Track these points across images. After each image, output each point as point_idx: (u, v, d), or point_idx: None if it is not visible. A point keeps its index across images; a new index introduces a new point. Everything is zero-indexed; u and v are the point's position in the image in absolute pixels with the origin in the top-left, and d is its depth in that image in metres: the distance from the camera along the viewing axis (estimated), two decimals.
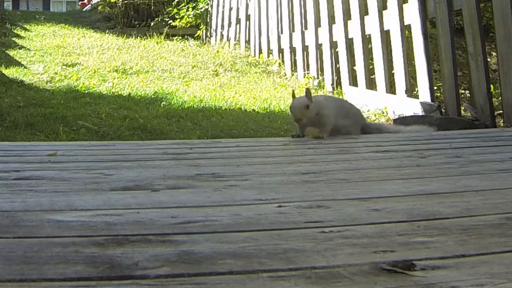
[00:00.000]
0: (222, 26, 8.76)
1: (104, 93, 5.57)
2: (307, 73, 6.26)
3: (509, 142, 2.93)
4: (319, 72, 6.08)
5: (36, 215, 1.32)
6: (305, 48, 6.38)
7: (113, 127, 4.26)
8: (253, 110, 4.99)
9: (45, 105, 4.77)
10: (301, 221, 1.28)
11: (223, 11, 8.72)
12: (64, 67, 6.66)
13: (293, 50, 6.66)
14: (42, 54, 7.43)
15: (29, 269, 0.94)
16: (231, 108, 5.05)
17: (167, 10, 9.78)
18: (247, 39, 7.96)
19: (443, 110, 4.29)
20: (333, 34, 5.81)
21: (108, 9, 10.45)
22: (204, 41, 9.16)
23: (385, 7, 5.03)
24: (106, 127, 4.27)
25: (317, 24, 6.10)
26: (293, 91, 3.36)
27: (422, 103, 4.40)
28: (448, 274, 0.92)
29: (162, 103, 5.12)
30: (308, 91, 3.03)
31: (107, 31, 9.76)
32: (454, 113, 4.20)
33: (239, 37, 8.20)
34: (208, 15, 9.32)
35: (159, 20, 9.92)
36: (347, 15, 5.56)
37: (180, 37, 9.14)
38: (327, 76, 5.90)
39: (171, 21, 9.60)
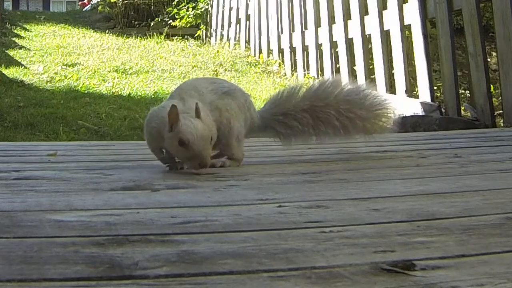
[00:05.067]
0: (222, 26, 8.76)
1: (104, 93, 5.57)
2: (307, 73, 6.26)
3: (509, 142, 2.93)
4: (319, 72, 6.08)
5: (36, 215, 1.32)
6: (305, 48, 6.38)
7: (113, 127, 4.26)
8: None
9: (45, 105, 4.78)
10: (301, 221, 1.27)
11: (223, 11, 8.72)
12: (64, 67, 6.66)
13: (293, 50, 6.66)
14: (42, 54, 7.44)
15: (29, 269, 0.94)
16: None
17: (167, 10, 9.78)
18: (247, 39, 7.96)
19: (443, 110, 4.29)
20: (333, 34, 5.81)
21: (108, 9, 10.45)
22: (204, 41, 9.16)
23: (385, 7, 5.03)
24: (106, 127, 4.28)
25: (317, 24, 6.10)
26: None
27: (422, 103, 4.40)
28: (448, 274, 0.92)
29: None
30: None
31: (107, 31, 9.76)
32: (454, 113, 4.20)
33: (239, 37, 8.20)
34: (208, 15, 9.32)
35: (159, 20, 9.92)
36: (347, 15, 5.55)
37: (180, 37, 9.14)
38: (327, 76, 5.90)
39: (171, 21, 9.61)
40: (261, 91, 5.81)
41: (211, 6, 9.20)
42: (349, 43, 5.55)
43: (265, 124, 2.26)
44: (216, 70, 6.88)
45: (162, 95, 5.47)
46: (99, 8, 10.78)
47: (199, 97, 2.04)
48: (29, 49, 7.77)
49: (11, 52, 7.43)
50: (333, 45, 5.83)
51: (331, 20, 5.83)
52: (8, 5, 19.03)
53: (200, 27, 9.46)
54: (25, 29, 9.52)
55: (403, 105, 4.58)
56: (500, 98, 4.22)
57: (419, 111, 4.36)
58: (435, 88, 4.65)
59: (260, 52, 7.48)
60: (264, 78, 6.53)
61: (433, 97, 4.47)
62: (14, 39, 8.53)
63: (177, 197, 1.56)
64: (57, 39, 8.70)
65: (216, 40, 8.85)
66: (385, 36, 5.02)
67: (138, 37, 9.04)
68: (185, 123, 1.84)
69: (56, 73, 6.31)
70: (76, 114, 4.56)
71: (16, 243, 1.09)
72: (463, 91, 5.52)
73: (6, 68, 6.38)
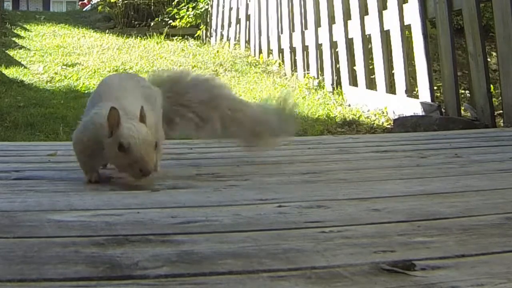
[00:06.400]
0: (222, 26, 8.76)
1: None
2: (307, 73, 6.25)
3: (509, 142, 2.93)
4: (319, 72, 6.08)
5: (36, 215, 1.32)
6: (305, 48, 6.38)
7: None
8: None
9: (45, 105, 4.78)
10: (301, 221, 1.27)
11: (223, 11, 8.72)
12: (64, 67, 6.66)
13: (293, 50, 6.66)
14: (42, 54, 7.44)
15: (29, 269, 0.94)
16: None
17: (167, 10, 9.78)
18: (247, 39, 7.96)
19: (443, 110, 4.29)
20: (333, 34, 5.81)
21: (108, 9, 10.45)
22: (204, 41, 9.16)
23: (385, 7, 5.03)
24: None
25: (317, 24, 6.09)
26: None
27: (422, 103, 4.40)
28: (448, 274, 0.92)
29: None
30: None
31: (107, 31, 9.76)
32: (454, 113, 4.20)
33: (239, 37, 8.19)
34: (208, 15, 9.32)
35: (159, 20, 9.91)
36: (347, 15, 5.55)
37: (180, 37, 9.14)
38: (327, 76, 5.90)
39: (171, 21, 9.60)
40: (261, 91, 5.81)
41: (211, 6, 9.20)
42: (349, 43, 5.55)
43: None
44: (216, 70, 6.88)
45: None
46: (99, 8, 10.78)
47: (135, 101, 1.82)
48: (29, 49, 7.77)
49: (11, 52, 7.43)
50: (333, 45, 5.83)
51: (331, 20, 5.83)
52: (8, 5, 19.03)
53: (200, 27, 9.46)
54: (25, 29, 9.52)
55: (403, 105, 4.59)
56: (500, 98, 4.21)
57: (419, 111, 4.36)
58: (435, 88, 4.65)
59: (260, 52, 7.48)
60: (264, 78, 6.53)
61: (433, 97, 4.47)
62: (14, 39, 8.54)
63: (177, 197, 1.57)
64: (57, 39, 8.70)
65: (216, 40, 8.85)
66: (385, 36, 5.02)
67: (138, 37, 9.04)
68: (127, 127, 1.66)
69: (56, 73, 6.31)
70: (76, 114, 4.55)
71: (16, 243, 1.09)
72: (463, 91, 5.51)
73: (6, 68, 6.38)
